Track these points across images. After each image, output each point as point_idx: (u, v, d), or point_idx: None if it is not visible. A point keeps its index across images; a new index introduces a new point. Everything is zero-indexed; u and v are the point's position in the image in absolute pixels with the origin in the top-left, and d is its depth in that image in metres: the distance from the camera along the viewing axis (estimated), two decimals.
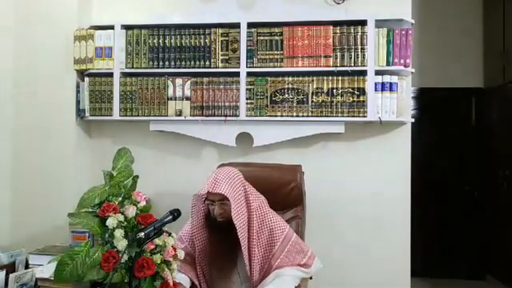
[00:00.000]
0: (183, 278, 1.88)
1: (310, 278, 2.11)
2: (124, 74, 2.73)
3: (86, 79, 2.72)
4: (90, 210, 1.62)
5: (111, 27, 2.70)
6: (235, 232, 1.80)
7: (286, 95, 2.59)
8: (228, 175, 1.86)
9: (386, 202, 2.68)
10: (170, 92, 2.67)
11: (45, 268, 1.74)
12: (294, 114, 2.58)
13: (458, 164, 4.74)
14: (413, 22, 2.59)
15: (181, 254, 1.67)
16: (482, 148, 4.68)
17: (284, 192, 2.23)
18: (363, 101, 2.53)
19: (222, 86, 2.63)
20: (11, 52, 2.74)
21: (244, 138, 2.69)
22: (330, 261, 2.62)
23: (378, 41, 2.54)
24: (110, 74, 2.70)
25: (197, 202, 1.89)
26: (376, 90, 2.53)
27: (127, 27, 2.72)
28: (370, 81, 2.52)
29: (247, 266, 1.84)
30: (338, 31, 2.56)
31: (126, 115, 2.70)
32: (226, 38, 2.64)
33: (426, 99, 4.65)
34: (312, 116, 2.57)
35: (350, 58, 2.55)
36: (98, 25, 2.75)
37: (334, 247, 2.69)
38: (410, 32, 2.53)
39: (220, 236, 1.89)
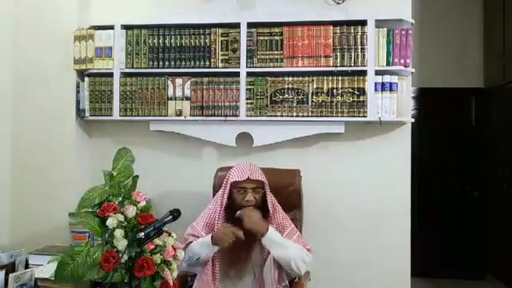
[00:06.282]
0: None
1: (309, 280, 2.12)
2: (124, 74, 2.73)
3: (86, 79, 2.72)
4: (90, 210, 1.62)
5: (111, 27, 2.70)
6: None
7: (286, 95, 2.59)
8: (259, 169, 2.07)
9: (385, 202, 2.68)
10: (170, 92, 2.67)
11: (45, 268, 1.74)
12: (294, 114, 2.58)
13: (457, 164, 4.74)
14: (413, 22, 2.59)
15: (181, 254, 1.67)
16: (482, 148, 4.67)
17: (282, 195, 2.25)
18: (363, 101, 2.53)
19: (221, 86, 2.63)
20: (11, 52, 2.73)
21: (244, 138, 2.69)
22: (330, 260, 2.64)
23: (378, 41, 2.54)
24: (110, 74, 2.70)
25: (223, 186, 2.05)
26: (376, 90, 2.53)
27: (127, 27, 2.72)
28: (370, 81, 2.52)
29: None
30: (338, 31, 2.56)
31: (126, 115, 2.70)
32: (226, 38, 2.64)
33: (426, 99, 4.64)
34: (312, 116, 2.57)
35: (350, 57, 2.55)
36: (97, 25, 2.75)
37: (333, 247, 2.69)
38: (410, 32, 2.53)
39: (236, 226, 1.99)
